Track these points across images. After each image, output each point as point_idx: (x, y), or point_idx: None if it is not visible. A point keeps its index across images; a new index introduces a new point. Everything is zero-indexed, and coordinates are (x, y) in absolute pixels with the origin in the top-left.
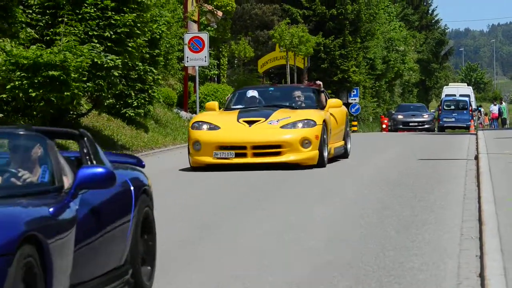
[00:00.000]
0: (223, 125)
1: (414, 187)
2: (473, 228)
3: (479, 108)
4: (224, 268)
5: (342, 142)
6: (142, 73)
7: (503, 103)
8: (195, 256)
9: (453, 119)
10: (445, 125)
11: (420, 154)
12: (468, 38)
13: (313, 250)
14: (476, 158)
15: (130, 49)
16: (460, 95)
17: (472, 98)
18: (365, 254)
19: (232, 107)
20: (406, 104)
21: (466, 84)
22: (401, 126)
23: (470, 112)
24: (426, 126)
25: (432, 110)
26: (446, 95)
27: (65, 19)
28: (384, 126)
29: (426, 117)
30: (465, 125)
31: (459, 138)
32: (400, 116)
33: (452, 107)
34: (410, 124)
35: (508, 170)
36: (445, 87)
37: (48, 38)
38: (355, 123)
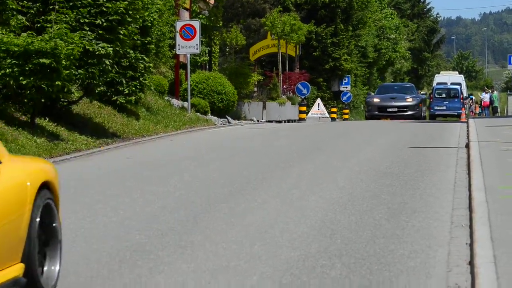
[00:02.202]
0: None
1: (404, 175)
2: (463, 216)
3: (471, 96)
4: (215, 257)
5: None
6: (133, 60)
7: (495, 91)
8: (186, 245)
9: (444, 107)
10: (436, 113)
11: (411, 143)
12: (460, 27)
13: (304, 238)
14: (467, 146)
15: (121, 36)
16: (452, 83)
17: (464, 86)
18: (355, 242)
19: None
20: (388, 84)
21: (457, 72)
22: (376, 112)
23: (462, 100)
24: (409, 112)
25: (422, 92)
26: (438, 83)
27: (57, 7)
28: None
29: (409, 100)
30: (456, 113)
31: (450, 126)
32: (376, 100)
33: (444, 95)
34: (388, 110)
35: (499, 158)
36: (436, 75)
37: (39, 25)
38: (347, 111)
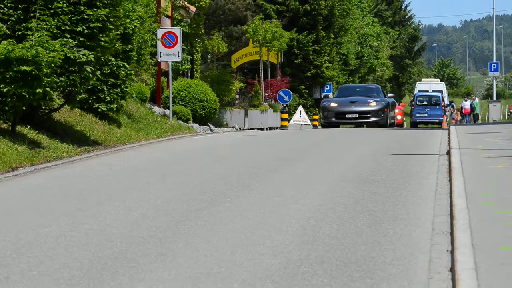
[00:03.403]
0: None
1: (386, 183)
2: (444, 223)
3: (452, 104)
4: (196, 265)
5: None
6: (114, 68)
7: (476, 98)
8: (167, 253)
9: (426, 115)
10: (417, 120)
11: (392, 150)
12: (441, 34)
13: (286, 245)
14: (448, 153)
15: (103, 43)
16: (433, 91)
17: (445, 94)
18: (337, 249)
19: None
20: (350, 86)
21: (439, 79)
22: (333, 119)
23: (443, 108)
24: (372, 119)
25: (390, 95)
26: (419, 91)
27: (37, 14)
28: None
29: (373, 105)
30: (437, 121)
31: (431, 133)
32: (333, 104)
33: (425, 102)
34: (348, 116)
35: (480, 165)
36: (418, 82)
37: (20, 33)
38: None
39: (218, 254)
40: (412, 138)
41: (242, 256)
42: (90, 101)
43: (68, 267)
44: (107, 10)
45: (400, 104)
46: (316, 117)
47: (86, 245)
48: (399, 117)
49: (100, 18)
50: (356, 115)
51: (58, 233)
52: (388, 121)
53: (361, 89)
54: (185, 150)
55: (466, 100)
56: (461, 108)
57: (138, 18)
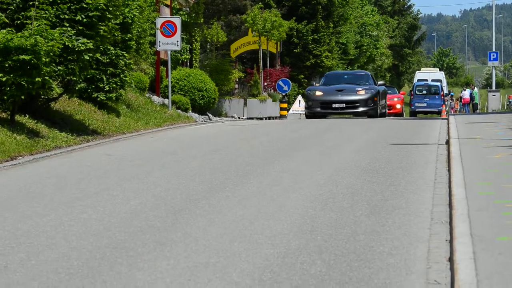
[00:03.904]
0: None
1: (385, 172)
2: (443, 212)
3: (452, 94)
4: (194, 254)
5: None
6: (113, 57)
7: (475, 88)
8: (165, 242)
9: (425, 104)
10: (417, 110)
11: (391, 139)
12: (441, 23)
13: (284, 235)
14: (447, 143)
15: (102, 32)
16: (432, 80)
17: (444, 83)
18: (335, 239)
19: None
20: (337, 73)
21: (438, 69)
22: (318, 109)
23: (442, 97)
24: (361, 109)
25: (380, 82)
26: (418, 80)
27: (36, 3)
28: None
29: (361, 93)
30: (437, 110)
31: (430, 123)
32: (318, 93)
33: (424, 92)
34: (334, 106)
35: (479, 155)
36: (417, 72)
37: (18, 22)
38: None
39: (216, 243)
40: (411, 127)
41: (240, 246)
42: (89, 90)
43: (66, 256)
44: None
45: (400, 92)
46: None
47: (85, 234)
48: (398, 106)
49: (99, 7)
50: (343, 105)
51: (57, 222)
52: (379, 111)
53: (349, 76)
54: (184, 140)
55: (465, 90)
56: (460, 97)
57: (137, 7)
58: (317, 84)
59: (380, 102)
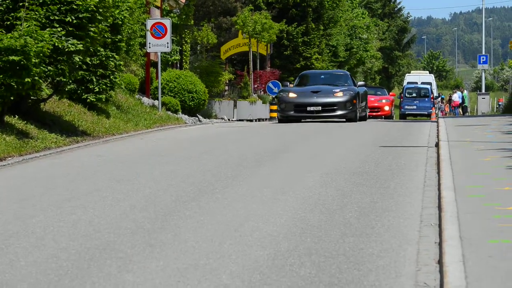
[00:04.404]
0: None
1: (375, 175)
2: (432, 215)
3: (442, 96)
4: (184, 256)
5: None
6: (103, 58)
7: (464, 91)
8: (155, 244)
9: (415, 107)
10: (406, 112)
11: (381, 142)
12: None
13: (274, 237)
14: (437, 145)
15: (92, 34)
16: (422, 83)
17: (434, 86)
18: (325, 241)
19: None
20: (313, 72)
21: (428, 72)
22: (292, 112)
23: (432, 100)
24: (338, 112)
25: (360, 83)
26: (408, 83)
27: (26, 4)
28: None
29: (339, 95)
30: (426, 113)
31: (420, 126)
32: (292, 95)
33: (414, 94)
34: (309, 109)
35: (468, 158)
36: (407, 74)
37: (8, 23)
38: None
39: (206, 245)
40: (401, 130)
41: (230, 248)
42: (79, 91)
43: (56, 257)
44: (96, 0)
45: (390, 93)
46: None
47: (74, 235)
48: (386, 107)
49: (89, 9)
50: (319, 108)
51: (46, 223)
52: (358, 114)
53: (326, 76)
54: (174, 141)
55: (455, 92)
56: (450, 99)
57: (128, 8)
58: (291, 85)
59: (360, 104)
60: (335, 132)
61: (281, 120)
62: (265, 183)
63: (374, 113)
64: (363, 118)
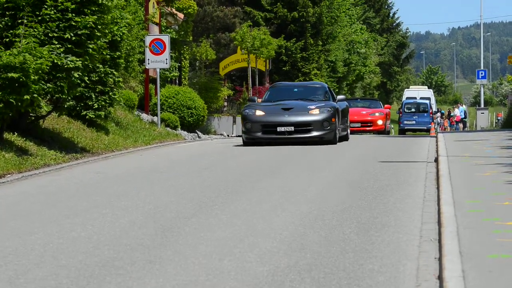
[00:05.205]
0: None
1: (374, 190)
2: (432, 230)
3: (442, 112)
4: (184, 272)
5: None
6: (102, 75)
7: (463, 105)
8: (155, 260)
9: (414, 122)
10: (406, 127)
11: (380, 156)
12: (429, 41)
13: (274, 253)
14: (436, 160)
15: (90, 51)
16: (421, 98)
17: (433, 101)
18: (324, 256)
19: None
20: (284, 85)
21: (426, 87)
22: (259, 134)
23: (431, 115)
24: (314, 133)
25: (340, 97)
26: (407, 98)
27: (25, 21)
28: None
29: (315, 113)
30: (425, 128)
31: (419, 141)
32: (259, 113)
33: (413, 109)
34: (279, 129)
35: (468, 173)
36: (406, 90)
37: (7, 39)
38: None
39: (206, 261)
40: (400, 145)
41: (230, 264)
42: (78, 108)
43: (55, 274)
44: (95, 17)
45: (385, 106)
46: None
47: (74, 252)
48: (379, 121)
49: (88, 25)
50: (292, 128)
51: (46, 240)
52: (338, 134)
53: (300, 89)
54: (173, 157)
55: (457, 107)
56: (449, 114)
57: (126, 25)
58: (259, 100)
59: (340, 122)
60: (333, 146)
61: (246, 143)
62: (265, 199)
63: (367, 128)
64: (343, 138)
